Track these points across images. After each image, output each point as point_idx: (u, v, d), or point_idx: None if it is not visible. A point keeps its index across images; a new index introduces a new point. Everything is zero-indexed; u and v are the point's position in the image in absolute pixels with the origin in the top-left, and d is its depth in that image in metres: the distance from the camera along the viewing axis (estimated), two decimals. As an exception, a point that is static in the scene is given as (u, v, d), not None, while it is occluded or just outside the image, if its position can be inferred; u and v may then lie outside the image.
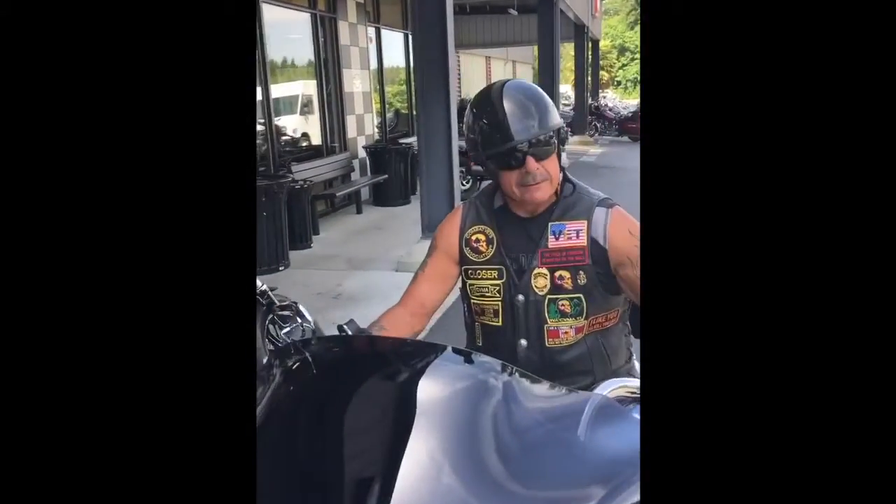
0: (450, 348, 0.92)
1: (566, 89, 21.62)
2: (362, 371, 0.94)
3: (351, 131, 8.17)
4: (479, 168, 8.64)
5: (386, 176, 7.75)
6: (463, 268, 1.41)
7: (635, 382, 0.96)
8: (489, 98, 1.30)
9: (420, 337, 1.43)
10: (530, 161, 1.26)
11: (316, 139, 7.70)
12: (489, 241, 1.38)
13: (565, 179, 1.38)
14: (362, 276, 5.12)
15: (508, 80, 1.34)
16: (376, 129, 9.12)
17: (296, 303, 1.66)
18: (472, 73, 20.19)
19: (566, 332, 1.34)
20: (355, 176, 7.97)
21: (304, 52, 7.41)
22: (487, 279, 1.38)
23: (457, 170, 5.23)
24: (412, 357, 0.97)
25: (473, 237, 1.40)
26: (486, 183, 1.51)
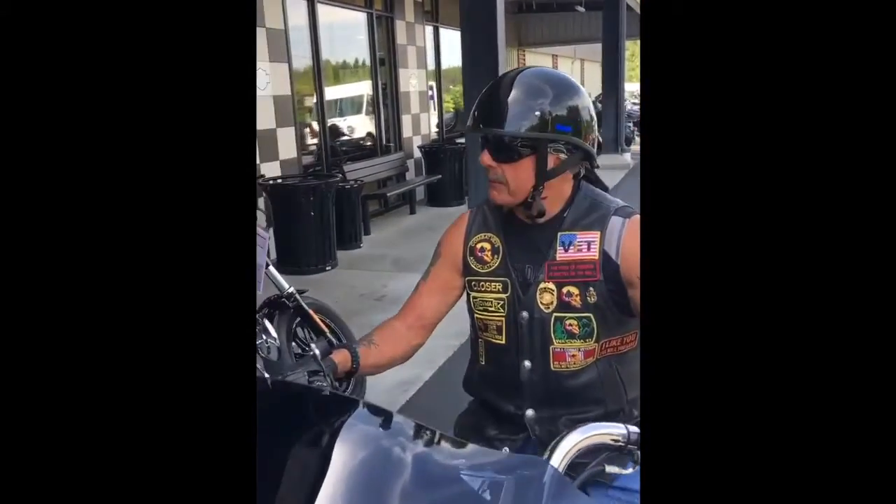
0: (363, 405, 0.84)
1: (635, 88, 21.00)
2: (269, 420, 0.87)
3: (406, 131, 8.16)
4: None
5: (440, 176, 7.69)
6: (466, 279, 1.28)
7: (619, 430, 0.84)
8: (494, 88, 1.19)
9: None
10: (484, 154, 1.16)
11: (371, 139, 7.73)
12: (495, 251, 1.25)
13: (578, 187, 1.23)
14: (408, 277, 5.05)
15: (534, 68, 1.21)
16: (434, 129, 9.09)
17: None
18: (538, 71, 19.92)
19: (574, 356, 1.18)
20: (410, 176, 7.96)
21: (360, 52, 7.44)
22: (491, 292, 1.24)
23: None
24: (325, 411, 0.89)
25: (479, 245, 1.26)
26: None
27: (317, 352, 1.14)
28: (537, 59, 19.69)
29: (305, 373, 1.07)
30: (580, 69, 24.49)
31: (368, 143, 7.71)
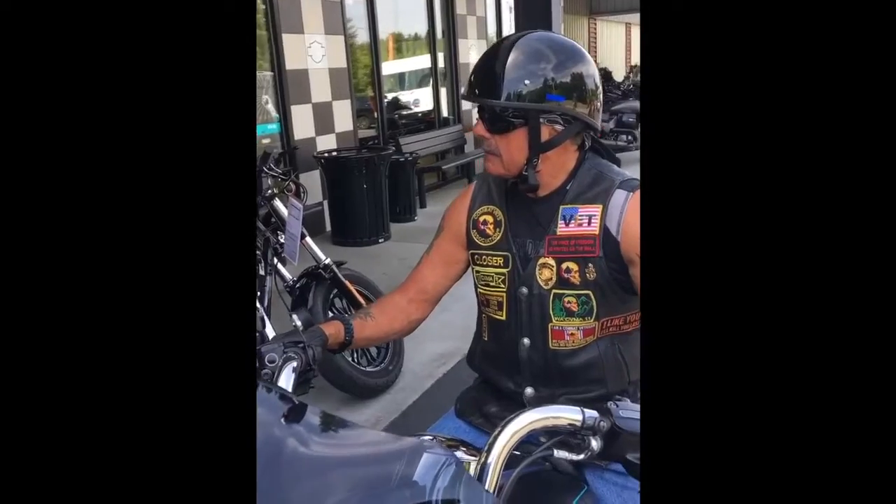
0: (266, 390, 0.83)
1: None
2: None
3: (466, 103, 8.07)
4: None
5: (499, 149, 7.59)
6: (470, 252, 1.25)
7: (575, 414, 0.79)
8: (494, 49, 1.13)
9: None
10: (478, 125, 1.12)
11: (429, 112, 7.70)
12: (497, 224, 1.21)
13: (583, 158, 1.17)
14: (459, 250, 5.05)
15: (534, 33, 1.14)
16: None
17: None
18: (610, 40, 19.29)
19: (572, 334, 1.14)
20: (468, 149, 7.89)
21: (419, 23, 7.38)
22: (493, 266, 1.21)
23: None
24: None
25: (481, 218, 1.23)
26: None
27: (298, 322, 1.14)
28: (610, 27, 19.02)
29: (281, 343, 1.07)
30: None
31: (427, 116, 7.69)
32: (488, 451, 0.76)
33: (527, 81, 1.06)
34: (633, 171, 1.10)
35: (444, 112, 7.88)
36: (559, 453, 0.81)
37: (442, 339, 3.27)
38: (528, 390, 1.18)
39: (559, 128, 1.10)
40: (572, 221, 1.13)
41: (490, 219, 1.22)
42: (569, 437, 0.81)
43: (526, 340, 1.17)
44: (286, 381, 1.02)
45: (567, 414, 0.79)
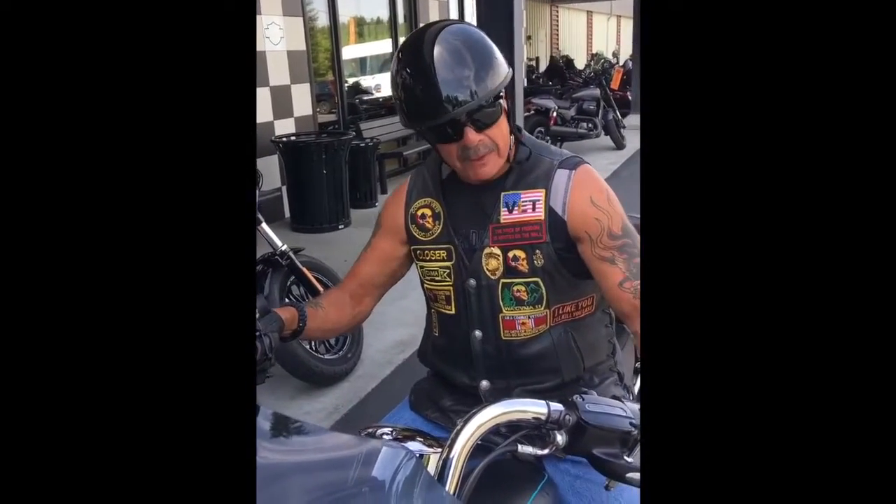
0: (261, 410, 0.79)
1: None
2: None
3: (428, 89, 8.03)
4: (560, 129, 8.35)
5: (460, 135, 7.57)
6: (412, 248, 1.21)
7: (540, 408, 0.76)
8: (416, 51, 1.02)
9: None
10: (469, 133, 1.02)
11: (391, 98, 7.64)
12: (436, 217, 1.17)
13: (519, 141, 1.13)
14: (420, 237, 5.03)
15: (441, 24, 1.05)
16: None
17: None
18: (572, 28, 19.38)
19: (524, 324, 1.12)
20: (430, 135, 7.86)
21: (380, 7, 7.29)
22: (436, 260, 1.17)
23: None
24: None
25: (419, 212, 1.19)
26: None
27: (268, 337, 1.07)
28: (571, 15, 19.10)
29: None
30: (616, 25, 23.75)
31: (388, 102, 7.61)
32: (451, 446, 0.74)
33: (492, 61, 1.03)
34: (594, 158, 1.10)
35: (406, 98, 7.81)
36: (523, 448, 0.78)
37: (401, 325, 3.25)
38: (484, 383, 1.17)
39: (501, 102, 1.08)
40: (515, 208, 1.10)
41: (428, 212, 1.18)
42: (532, 430, 0.79)
43: (478, 333, 1.15)
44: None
45: (532, 407, 0.76)
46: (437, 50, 1.00)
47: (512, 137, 1.11)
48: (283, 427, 0.79)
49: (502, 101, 1.06)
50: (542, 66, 14.66)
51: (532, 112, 7.95)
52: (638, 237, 1.10)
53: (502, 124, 1.07)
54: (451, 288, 1.16)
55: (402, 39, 7.88)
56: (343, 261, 3.90)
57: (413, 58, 1.03)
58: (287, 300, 2.72)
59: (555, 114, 8.00)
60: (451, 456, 0.74)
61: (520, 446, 0.79)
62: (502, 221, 1.10)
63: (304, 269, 2.75)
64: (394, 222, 1.23)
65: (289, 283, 2.78)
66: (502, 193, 1.11)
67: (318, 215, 5.19)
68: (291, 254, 2.73)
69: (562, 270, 1.10)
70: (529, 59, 14.87)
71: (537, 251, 1.09)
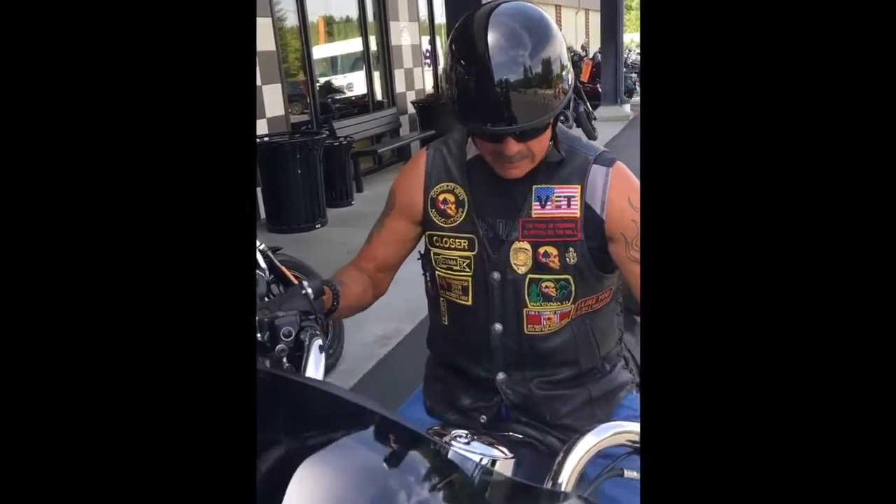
0: (375, 422, 0.71)
1: (635, 37, 20.42)
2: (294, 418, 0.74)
3: (399, 86, 8.04)
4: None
5: (433, 131, 7.59)
6: (427, 233, 1.15)
7: (635, 427, 0.72)
8: (469, 42, 0.94)
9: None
10: (510, 143, 0.97)
11: (363, 96, 7.64)
12: (459, 204, 1.11)
13: (555, 146, 1.07)
14: (397, 234, 5.05)
15: (501, 5, 0.96)
16: (430, 84, 8.94)
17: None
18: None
19: (549, 319, 1.09)
20: (404, 132, 7.87)
21: (349, 5, 7.28)
22: (456, 249, 1.11)
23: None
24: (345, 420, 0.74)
25: (441, 197, 1.12)
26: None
27: (309, 290, 0.97)
28: (540, 9, 19.16)
29: (297, 314, 0.90)
30: (585, 20, 23.91)
31: (361, 100, 7.62)
32: (554, 480, 0.70)
33: (556, 74, 0.95)
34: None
35: (378, 95, 7.82)
36: (629, 473, 0.74)
37: (382, 320, 3.29)
38: (501, 375, 1.14)
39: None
40: (549, 203, 1.06)
41: (451, 198, 1.12)
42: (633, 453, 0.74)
43: (498, 326, 1.11)
44: (315, 366, 0.83)
45: (628, 429, 0.72)
46: (493, 58, 0.91)
47: (550, 144, 1.06)
48: (381, 427, 0.72)
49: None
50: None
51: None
52: None
53: (546, 133, 1.02)
54: (469, 279, 1.12)
55: (372, 38, 7.83)
56: (321, 259, 3.92)
57: (473, 64, 0.94)
58: (268, 299, 2.74)
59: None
60: (558, 488, 0.70)
61: (626, 471, 0.75)
62: (534, 216, 1.06)
63: (283, 268, 2.77)
64: (410, 203, 1.16)
65: (269, 282, 2.80)
66: (534, 186, 1.06)
67: (294, 215, 5.19)
68: (269, 253, 2.75)
69: (591, 267, 1.08)
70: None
71: (570, 249, 1.06)
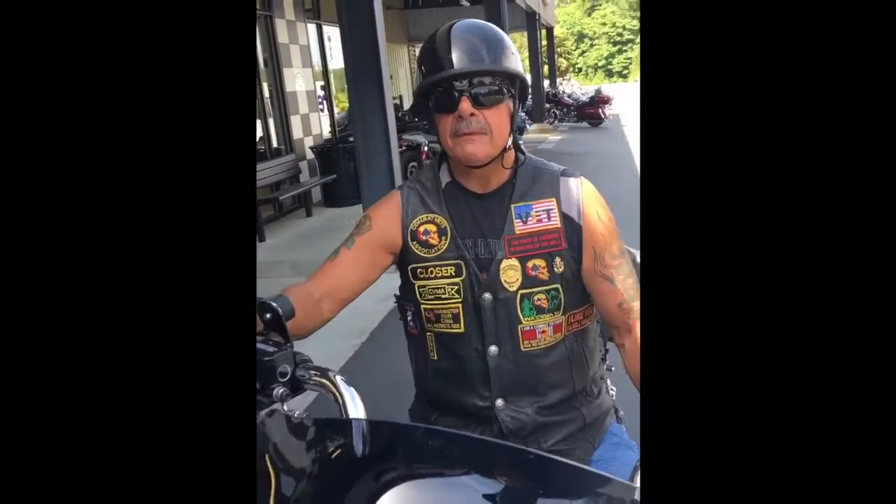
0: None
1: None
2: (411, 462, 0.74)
3: (297, 132, 7.97)
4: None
5: (335, 176, 7.56)
6: (410, 267, 1.14)
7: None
8: (439, 31, 1.10)
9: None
10: (464, 102, 1.04)
11: (260, 143, 7.50)
12: (441, 232, 1.13)
13: (518, 151, 1.15)
14: (306, 282, 4.94)
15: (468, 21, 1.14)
16: (327, 129, 8.93)
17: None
18: (429, 66, 19.96)
19: (543, 332, 1.12)
20: (304, 178, 7.78)
21: (241, 53, 7.18)
22: (443, 277, 1.12)
23: (398, 167, 5.06)
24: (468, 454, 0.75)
25: (422, 228, 1.13)
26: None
27: (279, 310, 0.86)
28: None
29: (290, 349, 0.82)
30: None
31: (257, 148, 7.48)
32: None
33: (506, 51, 1.09)
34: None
35: (275, 142, 7.71)
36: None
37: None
38: (499, 402, 1.14)
39: (511, 106, 1.11)
40: (530, 218, 1.11)
41: (433, 227, 1.14)
42: None
43: (493, 348, 1.12)
44: (353, 403, 0.76)
45: None
46: (456, 29, 1.09)
47: (510, 140, 1.11)
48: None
49: (507, 94, 1.08)
50: (406, 104, 15.01)
51: (404, 148, 8.13)
52: (630, 259, 1.16)
53: (501, 113, 1.08)
54: (459, 305, 1.12)
55: (265, 84, 7.71)
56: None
57: (436, 37, 1.10)
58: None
59: (426, 147, 8.23)
60: None
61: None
62: (517, 232, 1.11)
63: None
64: (387, 230, 1.16)
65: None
66: (513, 206, 1.12)
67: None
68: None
69: (576, 275, 1.13)
70: (394, 98, 15.16)
71: (557, 258, 1.11)
